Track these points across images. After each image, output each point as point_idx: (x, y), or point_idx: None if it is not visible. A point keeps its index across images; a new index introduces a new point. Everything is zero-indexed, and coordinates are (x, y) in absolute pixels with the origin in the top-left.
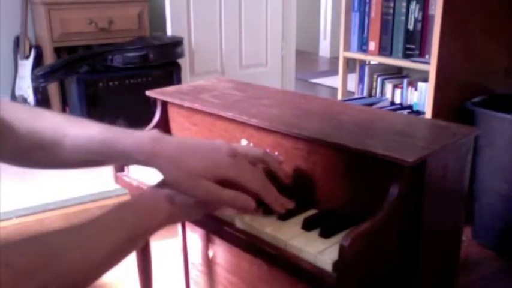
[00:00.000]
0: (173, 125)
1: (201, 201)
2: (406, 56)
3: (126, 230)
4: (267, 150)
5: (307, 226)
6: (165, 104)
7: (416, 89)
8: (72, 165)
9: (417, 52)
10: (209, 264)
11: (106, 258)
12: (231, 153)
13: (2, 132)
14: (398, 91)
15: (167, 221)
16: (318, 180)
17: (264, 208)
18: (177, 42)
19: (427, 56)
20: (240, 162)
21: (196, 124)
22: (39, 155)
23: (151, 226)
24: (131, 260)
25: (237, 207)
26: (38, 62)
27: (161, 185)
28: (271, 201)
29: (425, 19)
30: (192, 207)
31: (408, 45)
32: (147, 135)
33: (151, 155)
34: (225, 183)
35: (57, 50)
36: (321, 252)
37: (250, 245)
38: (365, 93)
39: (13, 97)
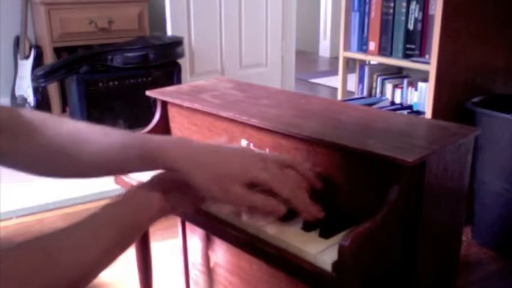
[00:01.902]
0: (173, 125)
1: (194, 195)
2: (406, 56)
3: (120, 227)
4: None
5: (307, 226)
6: (165, 104)
7: (416, 89)
8: (92, 173)
9: (417, 52)
10: (209, 264)
11: (102, 256)
12: (261, 158)
13: (24, 134)
14: (398, 91)
15: (159, 215)
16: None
17: (303, 224)
18: (177, 42)
19: (427, 56)
20: (270, 166)
21: (196, 124)
22: (58, 161)
23: (144, 221)
24: (131, 260)
25: (266, 211)
26: (38, 62)
27: (153, 180)
28: (301, 208)
29: (425, 19)
30: (184, 199)
31: (408, 45)
32: (173, 139)
33: (178, 159)
34: (254, 187)
35: (57, 50)
36: (321, 252)
37: (250, 245)
38: (365, 93)
39: (13, 97)
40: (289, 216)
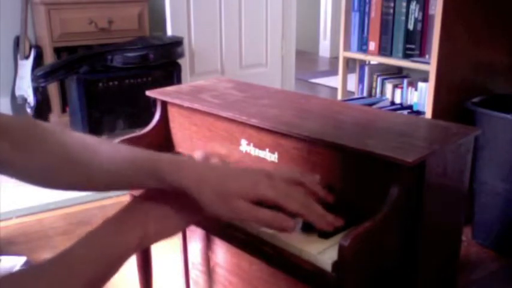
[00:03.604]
0: (173, 125)
1: (180, 220)
2: (406, 56)
3: (97, 261)
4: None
5: (308, 226)
6: (165, 104)
7: (416, 89)
8: (100, 187)
9: (417, 52)
10: (209, 264)
11: None
12: (267, 175)
13: (37, 142)
14: (398, 91)
15: (139, 246)
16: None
17: (302, 225)
18: (177, 42)
19: (427, 56)
20: (277, 182)
21: (196, 124)
22: (67, 173)
23: (123, 253)
24: (131, 260)
25: (275, 227)
26: (38, 62)
27: (134, 207)
28: (315, 220)
29: (425, 19)
30: (166, 228)
31: (408, 45)
32: (180, 158)
33: (184, 177)
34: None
35: (57, 50)
36: (321, 252)
37: (250, 245)
38: (365, 93)
39: (13, 97)
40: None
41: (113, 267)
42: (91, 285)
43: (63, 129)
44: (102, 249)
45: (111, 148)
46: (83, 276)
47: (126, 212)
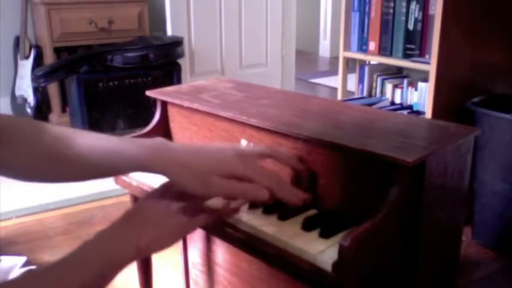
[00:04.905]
0: (173, 125)
1: (175, 228)
2: (406, 56)
3: (93, 271)
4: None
5: (307, 226)
6: (165, 104)
7: (416, 89)
8: (85, 177)
9: (417, 52)
10: (209, 264)
11: None
12: (238, 152)
13: (19, 139)
14: (398, 91)
15: (136, 256)
16: (317, 180)
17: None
18: (177, 42)
19: (427, 56)
20: (248, 159)
21: (196, 124)
22: (44, 168)
23: (119, 264)
24: None
25: (250, 197)
26: (38, 62)
27: (130, 216)
28: (286, 195)
29: (425, 19)
30: (162, 238)
31: (408, 45)
32: (152, 141)
33: (158, 161)
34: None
35: (57, 50)
36: (321, 252)
37: (250, 245)
38: (365, 93)
39: (13, 97)
40: (288, 215)
41: (107, 276)
42: None
43: (43, 125)
44: (98, 259)
45: (92, 139)
46: (77, 282)
47: (123, 221)
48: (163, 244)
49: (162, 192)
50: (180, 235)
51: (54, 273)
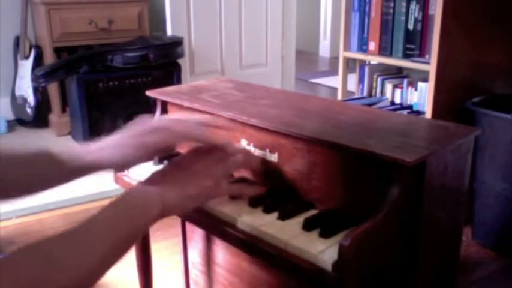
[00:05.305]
0: None
1: (192, 193)
2: (406, 56)
3: (122, 228)
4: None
5: (307, 226)
6: (165, 104)
7: (416, 89)
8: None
9: (417, 52)
10: (209, 264)
11: (104, 258)
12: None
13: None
14: (398, 91)
15: (160, 215)
16: (317, 180)
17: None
18: (177, 42)
19: (427, 56)
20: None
21: None
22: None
23: (146, 222)
24: (131, 260)
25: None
26: (38, 62)
27: (151, 179)
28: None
29: (425, 19)
30: (184, 199)
31: (408, 45)
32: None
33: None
34: None
35: (57, 50)
36: (321, 252)
37: (250, 245)
38: (365, 93)
39: (13, 97)
40: (288, 215)
41: (134, 235)
42: (114, 251)
43: None
44: (124, 219)
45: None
46: (105, 242)
47: (149, 180)
48: (186, 204)
49: (190, 155)
50: (204, 198)
51: (81, 231)
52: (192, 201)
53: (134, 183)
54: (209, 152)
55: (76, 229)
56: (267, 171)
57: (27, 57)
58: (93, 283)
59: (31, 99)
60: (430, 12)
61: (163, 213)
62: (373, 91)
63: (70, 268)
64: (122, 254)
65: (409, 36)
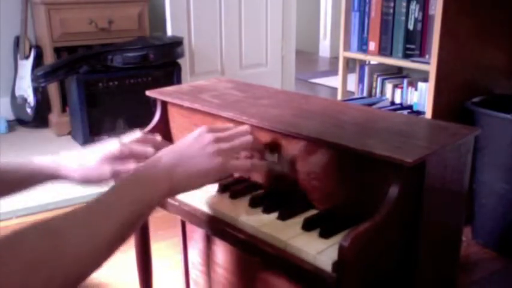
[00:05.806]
0: (173, 125)
1: (202, 171)
2: (406, 56)
3: (129, 207)
4: None
5: (307, 226)
6: (165, 104)
7: (416, 89)
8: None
9: (417, 52)
10: (209, 264)
11: (113, 237)
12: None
13: None
14: (398, 91)
15: (168, 192)
16: (317, 180)
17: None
18: (177, 42)
19: (427, 56)
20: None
21: (196, 124)
22: None
23: (154, 199)
24: (131, 260)
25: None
26: (38, 62)
27: (160, 157)
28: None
29: (425, 19)
30: (192, 175)
31: (408, 45)
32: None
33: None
34: None
35: (57, 50)
36: (320, 252)
37: (250, 245)
38: (365, 93)
39: (13, 97)
40: (288, 215)
41: (141, 214)
42: (124, 230)
43: None
44: (133, 196)
45: None
46: (116, 221)
47: (157, 159)
48: (195, 181)
49: (198, 133)
50: (212, 175)
51: (90, 210)
52: (200, 178)
53: None
54: (217, 131)
55: (85, 207)
56: (267, 172)
57: (27, 57)
58: (98, 266)
59: (31, 99)
60: (430, 12)
61: (171, 190)
62: (373, 91)
63: (76, 248)
64: (127, 235)
65: (409, 36)
